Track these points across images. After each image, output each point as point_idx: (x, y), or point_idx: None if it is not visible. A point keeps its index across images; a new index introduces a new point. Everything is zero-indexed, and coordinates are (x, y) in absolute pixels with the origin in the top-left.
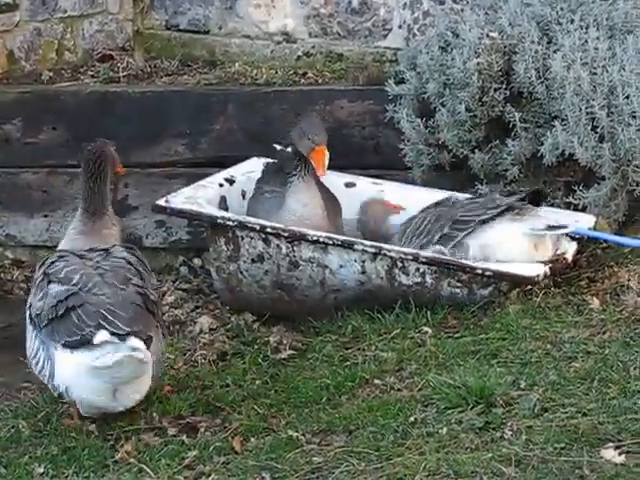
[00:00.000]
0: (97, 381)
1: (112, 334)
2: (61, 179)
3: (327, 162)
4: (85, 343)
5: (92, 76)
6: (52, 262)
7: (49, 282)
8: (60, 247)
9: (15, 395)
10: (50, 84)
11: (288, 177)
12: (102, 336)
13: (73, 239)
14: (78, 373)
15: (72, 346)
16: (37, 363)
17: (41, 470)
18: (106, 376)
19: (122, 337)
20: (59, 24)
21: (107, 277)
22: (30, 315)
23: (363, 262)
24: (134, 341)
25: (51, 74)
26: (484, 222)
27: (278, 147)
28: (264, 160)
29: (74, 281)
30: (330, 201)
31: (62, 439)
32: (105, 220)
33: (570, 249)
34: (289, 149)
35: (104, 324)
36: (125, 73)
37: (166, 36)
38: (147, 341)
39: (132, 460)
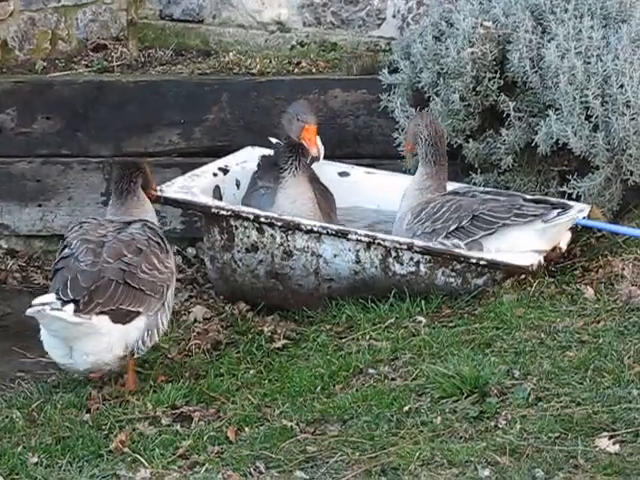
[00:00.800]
0: (49, 336)
1: (57, 299)
2: (55, 169)
3: (320, 143)
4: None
5: (86, 66)
6: (74, 227)
7: (64, 247)
8: None
9: (9, 385)
10: (44, 74)
11: (280, 173)
12: (42, 300)
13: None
14: (42, 328)
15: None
16: None
17: (35, 460)
18: (49, 329)
19: (64, 303)
20: (53, 14)
21: (105, 248)
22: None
23: (357, 251)
24: (68, 307)
25: (45, 64)
26: (505, 225)
27: (274, 140)
28: (259, 150)
29: (72, 246)
30: (323, 195)
31: (56, 429)
32: (135, 201)
33: (564, 238)
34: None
35: (59, 289)
36: (119, 63)
37: (160, 26)
38: (114, 312)
39: (126, 450)
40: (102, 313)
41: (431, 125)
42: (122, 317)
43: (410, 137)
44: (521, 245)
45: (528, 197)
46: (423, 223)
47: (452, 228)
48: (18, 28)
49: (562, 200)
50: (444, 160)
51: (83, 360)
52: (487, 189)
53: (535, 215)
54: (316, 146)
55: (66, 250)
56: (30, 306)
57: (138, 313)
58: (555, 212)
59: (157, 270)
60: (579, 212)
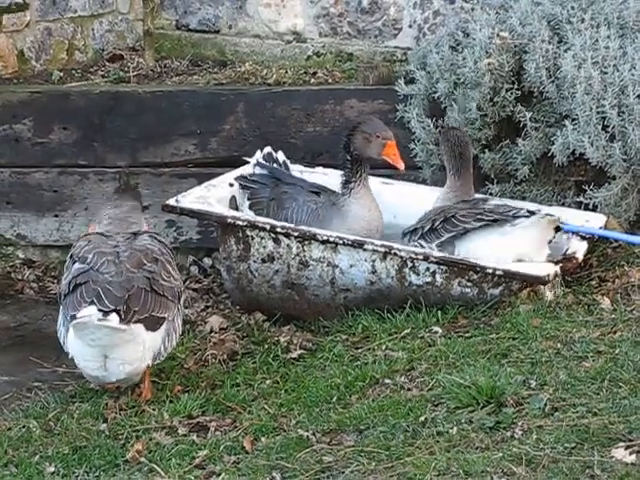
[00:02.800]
0: (85, 347)
1: (99, 310)
2: (72, 179)
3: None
4: (78, 315)
5: (102, 76)
6: (78, 244)
7: (74, 262)
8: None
9: (26, 395)
10: (60, 84)
11: (347, 185)
12: (86, 312)
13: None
14: (74, 340)
15: (72, 319)
16: (60, 335)
17: (52, 469)
18: (88, 339)
19: (106, 313)
20: (69, 24)
21: (122, 258)
22: (58, 293)
23: (373, 262)
24: (113, 316)
25: (61, 74)
26: (469, 230)
27: (250, 159)
28: (257, 170)
29: (88, 260)
30: None
31: (73, 438)
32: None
33: (581, 249)
34: (277, 157)
35: (95, 301)
36: (135, 73)
37: (176, 36)
38: (147, 320)
39: (143, 459)
40: (138, 321)
41: (453, 137)
42: (154, 324)
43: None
44: (486, 249)
45: (530, 209)
46: (417, 222)
47: (426, 229)
48: (35, 38)
49: (541, 207)
50: (468, 172)
51: (119, 370)
52: (499, 200)
53: (493, 220)
54: (401, 161)
55: (79, 265)
56: (72, 318)
57: (164, 319)
58: (521, 217)
59: (172, 277)
60: (541, 218)
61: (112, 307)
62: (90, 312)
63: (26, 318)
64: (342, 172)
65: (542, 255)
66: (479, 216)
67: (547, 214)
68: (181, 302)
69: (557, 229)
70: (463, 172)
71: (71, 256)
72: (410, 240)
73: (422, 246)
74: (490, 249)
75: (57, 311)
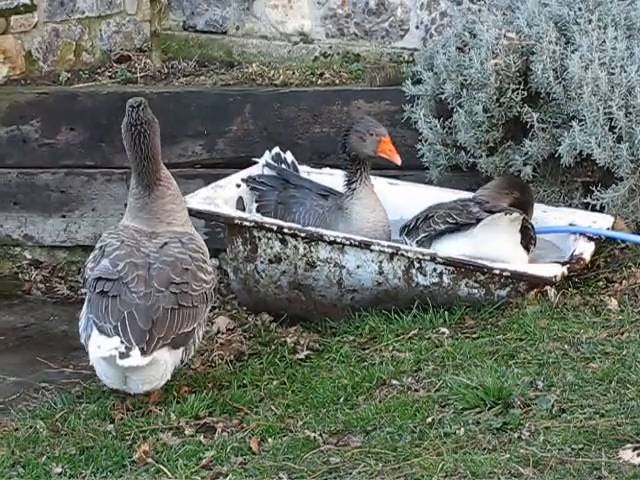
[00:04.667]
0: (106, 367)
1: (121, 342)
2: (79, 180)
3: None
4: (102, 333)
5: (110, 77)
6: (110, 238)
7: (102, 255)
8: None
9: (33, 395)
10: (68, 85)
11: (349, 184)
12: (109, 346)
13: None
14: (95, 357)
15: (96, 327)
16: (81, 325)
17: (59, 470)
18: (110, 366)
19: (127, 348)
20: (77, 25)
21: (152, 272)
22: (83, 275)
23: (380, 262)
24: (135, 352)
25: (69, 75)
26: (441, 233)
27: (258, 159)
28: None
29: (118, 268)
30: None
31: (80, 439)
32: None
33: (588, 250)
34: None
35: (120, 331)
36: (143, 74)
37: (183, 37)
38: (172, 341)
39: (150, 460)
40: (163, 346)
41: None
42: (179, 342)
43: None
44: (454, 250)
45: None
46: (408, 220)
47: (411, 226)
48: (42, 39)
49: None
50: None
51: (139, 388)
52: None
53: (455, 223)
54: (398, 155)
55: (109, 266)
56: (98, 328)
57: (193, 331)
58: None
59: (204, 282)
60: (501, 216)
61: (134, 343)
62: (113, 345)
63: (33, 319)
64: (344, 173)
65: (518, 257)
66: (448, 218)
67: (507, 212)
68: (213, 299)
69: (524, 229)
70: None
71: (101, 247)
72: (400, 235)
73: (406, 242)
74: (457, 250)
75: (64, 312)
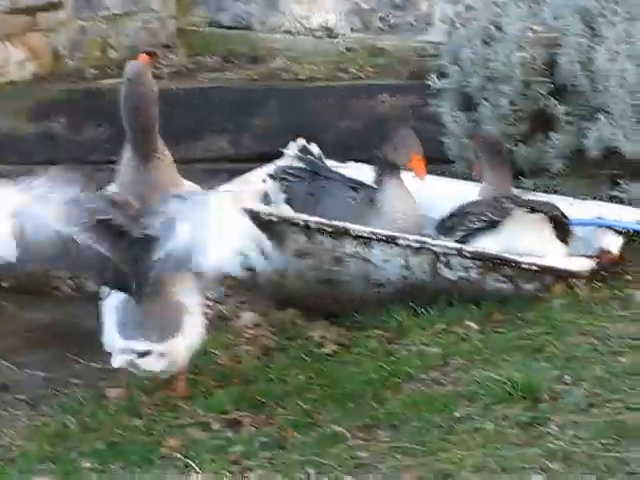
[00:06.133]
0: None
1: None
2: (105, 175)
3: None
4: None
5: None
6: None
7: None
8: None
9: (62, 391)
10: (94, 81)
11: (379, 177)
12: (123, 357)
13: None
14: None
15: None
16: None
17: (88, 465)
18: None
19: (142, 354)
20: (103, 22)
21: None
22: None
23: (407, 257)
24: (152, 359)
25: (95, 72)
26: (477, 230)
27: (286, 150)
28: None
29: None
30: None
31: (108, 434)
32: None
33: (616, 243)
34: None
35: (140, 334)
36: (168, 70)
37: (208, 33)
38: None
39: (177, 455)
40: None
41: (479, 138)
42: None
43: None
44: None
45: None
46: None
47: (447, 225)
48: (69, 37)
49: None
50: (504, 168)
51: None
52: (532, 196)
53: (487, 221)
54: (424, 172)
55: None
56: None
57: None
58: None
59: None
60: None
61: (152, 348)
62: (129, 346)
63: (62, 315)
64: (374, 167)
65: (553, 250)
66: (482, 216)
67: (532, 209)
68: None
69: (559, 223)
70: (498, 167)
71: None
72: (436, 233)
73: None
74: (490, 246)
75: (93, 308)
